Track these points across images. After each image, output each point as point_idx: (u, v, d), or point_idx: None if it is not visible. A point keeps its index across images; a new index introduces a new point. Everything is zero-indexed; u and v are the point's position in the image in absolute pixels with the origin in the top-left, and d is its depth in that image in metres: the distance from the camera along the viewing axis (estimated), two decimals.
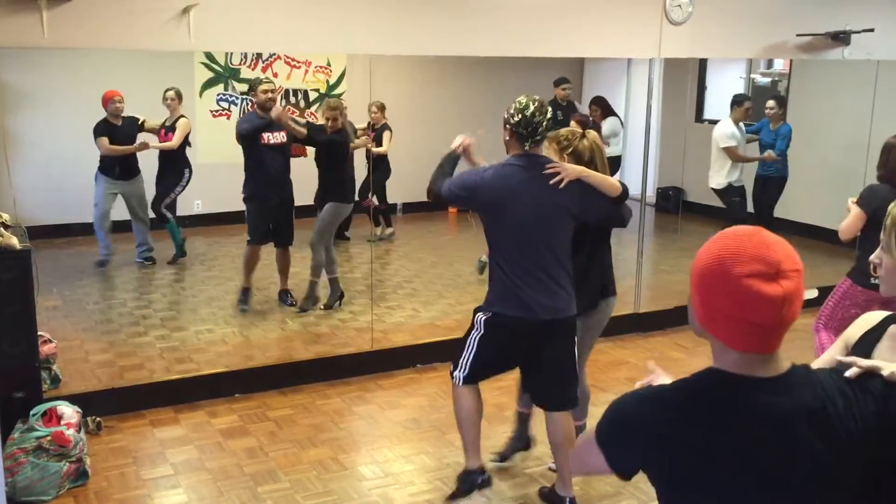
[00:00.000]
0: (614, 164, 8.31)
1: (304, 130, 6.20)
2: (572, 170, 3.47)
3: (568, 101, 8.10)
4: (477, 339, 3.60)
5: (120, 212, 7.27)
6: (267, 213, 6.21)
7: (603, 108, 8.23)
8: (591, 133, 3.79)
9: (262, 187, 6.12)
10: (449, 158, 3.76)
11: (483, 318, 3.58)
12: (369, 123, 7.87)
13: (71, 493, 3.87)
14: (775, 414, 1.46)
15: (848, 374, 1.54)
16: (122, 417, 4.63)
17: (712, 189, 7.61)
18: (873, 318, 1.88)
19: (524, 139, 3.42)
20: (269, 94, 6.03)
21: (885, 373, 1.55)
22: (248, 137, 6.00)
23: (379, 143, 7.83)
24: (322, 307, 6.32)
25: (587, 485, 4.01)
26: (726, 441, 1.45)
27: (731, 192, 7.57)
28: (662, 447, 1.49)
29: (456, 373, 3.67)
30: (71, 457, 3.90)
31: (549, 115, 3.44)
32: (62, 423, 4.01)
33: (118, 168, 7.09)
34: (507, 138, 3.50)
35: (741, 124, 7.55)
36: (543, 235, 3.45)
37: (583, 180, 3.46)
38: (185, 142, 7.24)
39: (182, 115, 7.21)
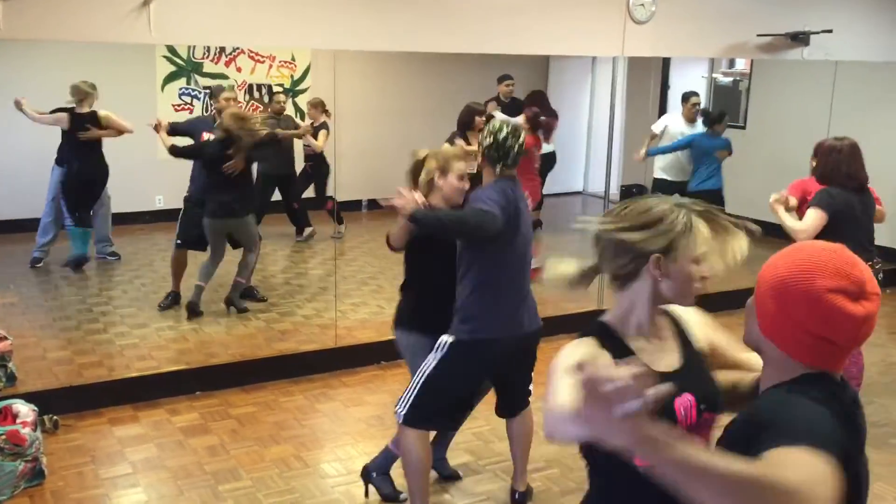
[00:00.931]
0: (548, 161, 8.37)
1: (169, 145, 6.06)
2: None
3: (512, 97, 8.11)
4: (434, 366, 3.37)
5: None
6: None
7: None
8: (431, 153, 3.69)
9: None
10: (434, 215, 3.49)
11: (451, 342, 3.36)
12: (311, 123, 7.85)
13: (27, 493, 3.80)
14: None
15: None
16: (80, 416, 4.55)
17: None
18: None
19: (495, 162, 3.40)
20: (231, 103, 6.16)
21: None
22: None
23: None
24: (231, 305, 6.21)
25: (550, 481, 4.03)
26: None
27: (658, 187, 7.68)
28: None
29: (399, 409, 3.45)
30: (27, 456, 3.83)
31: (521, 140, 3.42)
32: (17, 421, 3.93)
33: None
34: (479, 160, 3.47)
35: (698, 124, 7.59)
36: (526, 252, 3.50)
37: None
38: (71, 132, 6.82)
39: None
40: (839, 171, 4.38)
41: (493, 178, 3.42)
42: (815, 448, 1.27)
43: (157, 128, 6.05)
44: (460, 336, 3.36)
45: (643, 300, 1.77)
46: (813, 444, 1.28)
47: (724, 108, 7.79)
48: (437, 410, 3.46)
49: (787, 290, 1.43)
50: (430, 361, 3.40)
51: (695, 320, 1.89)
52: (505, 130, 3.40)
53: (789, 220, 4.38)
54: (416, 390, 3.42)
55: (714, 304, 7.20)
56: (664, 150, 7.69)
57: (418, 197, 3.31)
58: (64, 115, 6.59)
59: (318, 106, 7.87)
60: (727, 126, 7.90)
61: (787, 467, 1.23)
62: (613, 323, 1.80)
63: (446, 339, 3.38)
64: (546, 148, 8.20)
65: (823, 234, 4.33)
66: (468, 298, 3.38)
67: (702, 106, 7.80)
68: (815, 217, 4.30)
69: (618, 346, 1.74)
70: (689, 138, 7.54)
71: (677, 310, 1.86)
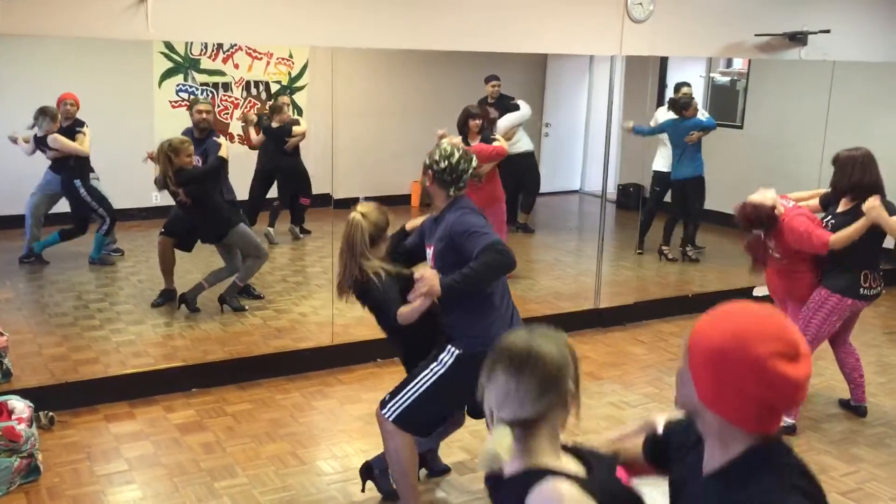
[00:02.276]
0: (525, 161, 8.36)
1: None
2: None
3: (497, 97, 8.11)
4: (438, 378, 3.38)
5: None
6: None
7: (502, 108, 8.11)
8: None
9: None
10: None
11: (458, 354, 3.35)
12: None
13: (22, 490, 3.79)
14: None
15: None
16: (76, 412, 4.55)
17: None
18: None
19: (448, 186, 3.41)
20: (204, 115, 6.20)
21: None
22: None
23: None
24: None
25: None
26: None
27: (654, 180, 7.71)
28: None
29: (388, 413, 3.44)
30: (22, 452, 3.82)
31: (473, 164, 3.45)
32: (13, 417, 3.92)
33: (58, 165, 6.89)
34: (429, 184, 3.47)
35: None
36: None
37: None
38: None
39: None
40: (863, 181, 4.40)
41: (446, 202, 3.43)
42: None
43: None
44: (468, 348, 3.30)
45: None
46: None
47: (693, 98, 7.79)
48: (428, 421, 3.50)
49: (726, 360, 1.40)
50: (431, 373, 3.39)
51: None
52: (457, 154, 3.42)
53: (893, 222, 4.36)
54: (412, 398, 3.40)
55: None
56: (647, 132, 7.87)
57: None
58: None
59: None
60: (727, 125, 7.94)
61: None
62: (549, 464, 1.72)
63: (451, 350, 3.37)
64: (521, 147, 8.20)
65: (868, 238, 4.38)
66: (473, 312, 3.36)
67: (694, 98, 7.87)
68: (860, 226, 4.32)
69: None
70: (666, 123, 7.67)
71: None
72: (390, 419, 3.44)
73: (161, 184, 5.79)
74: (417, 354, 3.54)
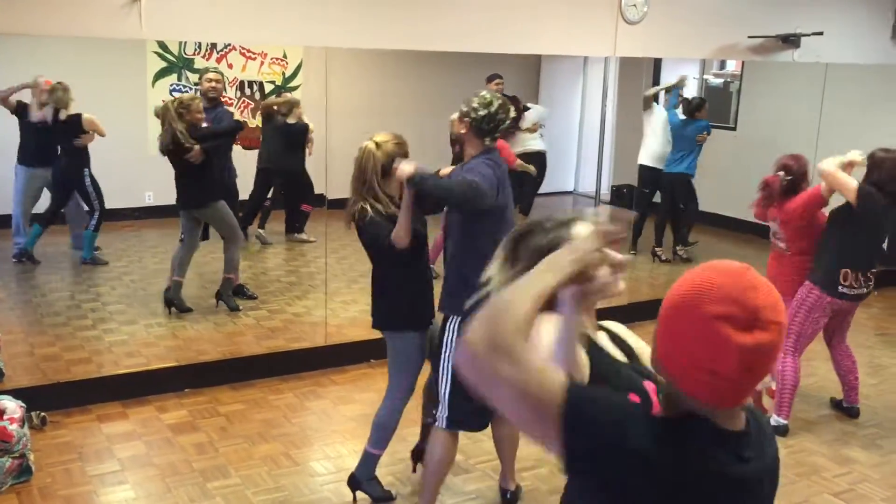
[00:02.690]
0: (539, 161, 8.39)
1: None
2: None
3: (503, 95, 8.13)
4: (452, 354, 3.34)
5: None
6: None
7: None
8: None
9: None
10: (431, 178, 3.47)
11: (460, 320, 3.31)
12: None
13: (14, 490, 3.78)
14: (740, 477, 1.34)
15: None
16: (68, 412, 4.53)
17: None
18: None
19: (485, 134, 3.36)
20: (213, 84, 6.12)
21: None
22: None
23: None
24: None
25: (539, 479, 4.03)
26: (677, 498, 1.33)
27: (641, 178, 7.75)
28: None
29: (440, 422, 3.46)
30: (14, 452, 3.81)
31: (512, 114, 3.38)
32: (5, 417, 3.91)
33: (37, 155, 6.80)
34: (464, 131, 3.39)
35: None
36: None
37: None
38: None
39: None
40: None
41: (479, 150, 3.37)
42: None
43: None
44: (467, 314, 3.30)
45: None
46: None
47: (705, 100, 7.93)
48: (471, 409, 3.33)
49: (677, 314, 1.33)
50: (447, 359, 3.34)
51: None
52: (496, 103, 3.34)
53: (844, 176, 4.42)
54: (447, 390, 3.38)
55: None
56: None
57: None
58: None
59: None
60: (721, 127, 7.98)
61: None
62: None
63: (453, 320, 3.33)
64: (535, 146, 8.23)
65: (826, 234, 4.39)
66: (468, 279, 3.31)
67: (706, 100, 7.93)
68: (848, 182, 4.38)
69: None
70: (675, 122, 7.73)
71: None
72: (443, 422, 3.43)
73: (167, 144, 5.60)
74: (409, 297, 3.49)
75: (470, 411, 3.33)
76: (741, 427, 1.36)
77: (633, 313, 6.41)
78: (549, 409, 1.28)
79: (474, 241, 3.32)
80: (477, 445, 4.32)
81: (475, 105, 3.35)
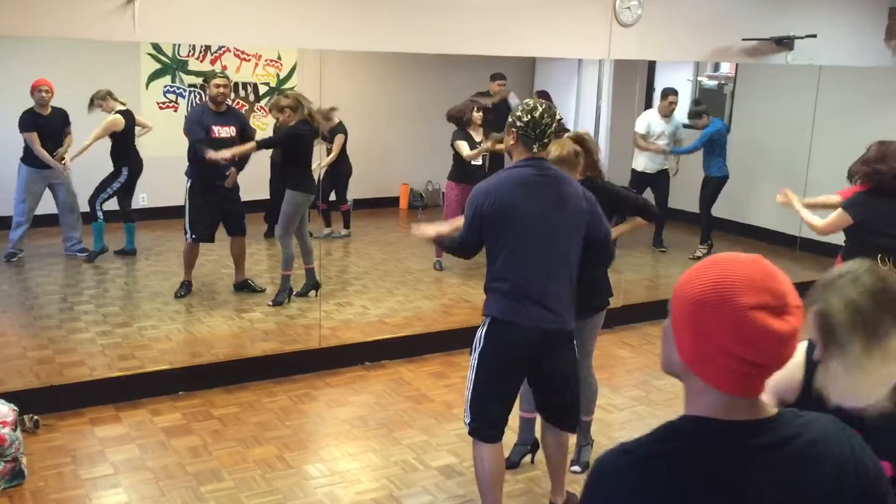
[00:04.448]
0: None
1: (253, 145, 6.17)
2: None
3: (502, 98, 8.13)
4: (477, 353, 3.38)
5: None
6: (213, 208, 6.19)
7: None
8: (576, 133, 3.84)
9: (209, 180, 6.12)
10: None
11: (487, 321, 3.37)
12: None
13: (6, 494, 3.76)
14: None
15: None
16: (61, 416, 4.52)
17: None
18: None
19: (532, 142, 3.29)
20: (222, 89, 6.10)
21: None
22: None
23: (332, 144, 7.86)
24: (295, 294, 6.37)
25: (532, 482, 4.03)
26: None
27: (634, 180, 7.79)
28: None
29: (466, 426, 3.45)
30: (6, 456, 3.79)
31: (557, 118, 3.34)
32: None
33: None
34: (512, 142, 3.34)
35: (673, 118, 7.92)
36: (551, 242, 3.30)
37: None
38: (126, 138, 7.06)
39: (117, 112, 7.03)
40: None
41: (519, 159, 3.34)
42: None
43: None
44: (489, 316, 3.36)
45: None
46: None
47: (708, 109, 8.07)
48: (491, 408, 3.38)
49: (705, 311, 1.28)
50: (474, 354, 3.40)
51: None
52: (539, 108, 3.29)
53: (807, 215, 4.40)
54: (470, 390, 3.39)
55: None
56: (688, 150, 7.97)
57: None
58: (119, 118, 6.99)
59: (330, 113, 7.95)
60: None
61: None
62: None
63: (484, 319, 3.39)
64: None
65: (848, 236, 4.38)
66: (491, 282, 3.37)
67: (678, 105, 7.99)
68: (838, 217, 4.32)
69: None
70: (712, 133, 7.82)
71: None
72: (467, 427, 3.43)
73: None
74: None
75: (490, 409, 3.37)
76: (769, 415, 1.35)
77: (626, 314, 6.43)
78: None
79: (490, 253, 3.40)
80: (471, 448, 4.31)
81: (518, 113, 3.31)
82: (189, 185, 6.18)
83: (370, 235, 8.78)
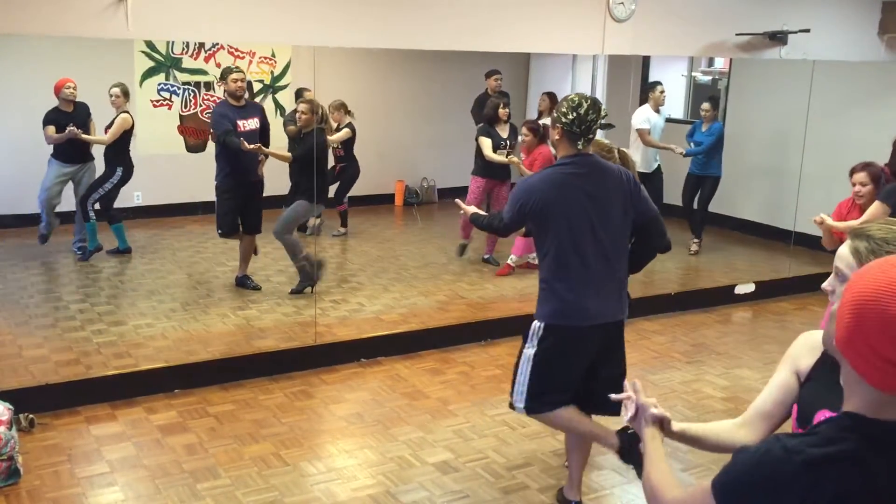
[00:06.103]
0: None
1: (289, 156, 6.37)
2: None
3: (499, 91, 8.12)
4: (532, 355, 3.42)
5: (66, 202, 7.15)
6: (240, 202, 6.34)
7: (552, 100, 8.26)
8: (620, 150, 3.87)
9: (238, 175, 6.25)
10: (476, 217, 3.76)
11: (542, 326, 3.40)
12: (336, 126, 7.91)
13: (2, 493, 3.76)
14: None
15: None
16: (57, 414, 4.51)
17: None
18: (814, 340, 1.84)
19: (577, 138, 3.28)
20: (240, 83, 6.21)
21: None
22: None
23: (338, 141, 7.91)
24: (290, 291, 6.47)
25: (529, 478, 4.04)
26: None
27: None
28: None
29: (518, 410, 3.50)
30: (2, 455, 3.78)
31: (602, 113, 3.32)
32: None
33: (70, 152, 7.00)
34: (557, 138, 3.34)
35: (661, 111, 7.91)
36: (600, 236, 3.31)
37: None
38: (123, 139, 7.07)
39: (124, 111, 7.04)
40: None
41: (571, 153, 3.34)
42: None
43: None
44: (544, 321, 3.40)
45: None
46: None
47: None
48: (554, 395, 3.42)
49: (864, 309, 1.37)
50: (529, 348, 3.42)
51: None
52: (585, 104, 3.27)
53: (845, 223, 4.35)
54: (524, 382, 3.41)
55: (686, 302, 7.12)
56: (701, 151, 7.92)
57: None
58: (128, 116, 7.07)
59: (341, 108, 8.04)
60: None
61: None
62: None
63: (535, 323, 3.42)
64: None
65: None
66: (545, 281, 3.40)
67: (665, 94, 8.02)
68: (876, 208, 4.32)
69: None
70: (720, 131, 7.84)
71: None
72: (525, 413, 3.48)
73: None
74: None
75: (551, 397, 3.42)
76: None
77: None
78: None
79: (539, 250, 3.43)
80: (468, 444, 4.33)
81: (563, 110, 3.29)
82: (217, 183, 6.29)
83: (366, 232, 8.78)
